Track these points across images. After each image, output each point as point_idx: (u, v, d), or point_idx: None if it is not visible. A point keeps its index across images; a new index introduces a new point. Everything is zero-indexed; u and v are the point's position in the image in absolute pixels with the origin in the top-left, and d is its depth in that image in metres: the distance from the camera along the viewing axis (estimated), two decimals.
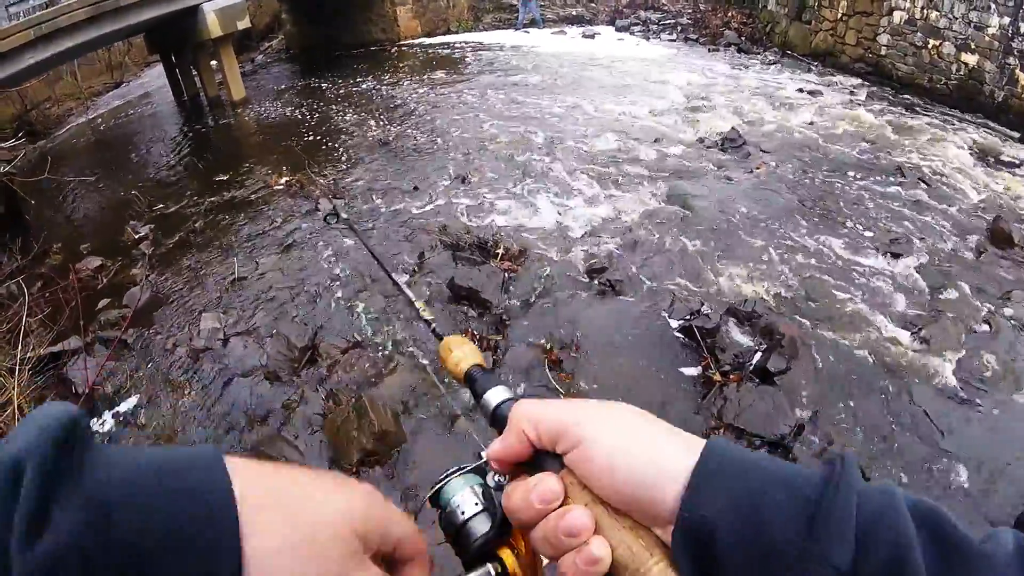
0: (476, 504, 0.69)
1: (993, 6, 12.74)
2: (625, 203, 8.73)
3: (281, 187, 9.65)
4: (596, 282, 7.00)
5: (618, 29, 19.67)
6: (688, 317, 6.32)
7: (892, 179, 9.90)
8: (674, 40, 18.69)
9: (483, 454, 0.73)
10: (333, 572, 0.51)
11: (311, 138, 12.28)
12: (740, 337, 6.21)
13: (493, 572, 0.67)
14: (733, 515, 0.50)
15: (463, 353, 0.84)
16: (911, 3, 14.08)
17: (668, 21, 20.20)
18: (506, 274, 6.88)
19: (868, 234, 8.39)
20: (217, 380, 6.00)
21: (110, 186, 11.49)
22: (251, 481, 0.50)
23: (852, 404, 5.73)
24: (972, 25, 13.20)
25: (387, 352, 6.07)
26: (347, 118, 13.14)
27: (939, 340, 6.61)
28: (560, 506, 0.56)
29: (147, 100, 18.51)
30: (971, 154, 11.52)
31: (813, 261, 7.71)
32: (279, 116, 14.22)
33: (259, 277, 7.50)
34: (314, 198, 9.09)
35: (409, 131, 11.91)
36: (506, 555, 0.68)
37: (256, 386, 5.86)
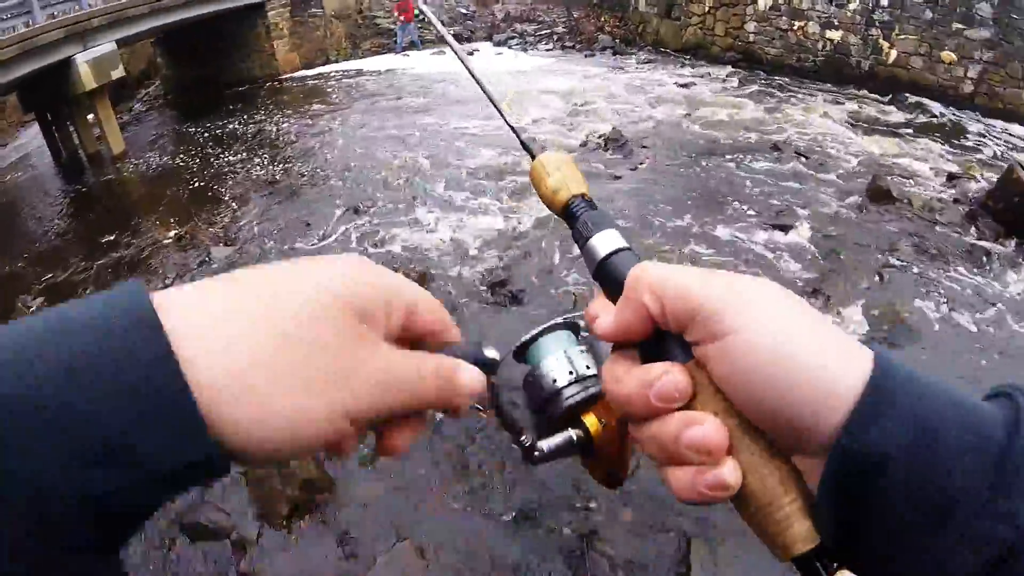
0: (570, 373, 0.61)
1: None
2: (515, 214, 8.90)
3: (170, 240, 9.39)
4: (499, 294, 7.10)
5: (496, 44, 19.94)
6: None
7: (770, 156, 10.38)
8: (551, 49, 19.12)
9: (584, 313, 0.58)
10: (331, 362, 0.42)
11: (197, 185, 11.95)
12: None
13: (575, 438, 0.60)
14: (908, 452, 0.40)
15: (562, 177, 0.63)
16: None
17: (544, 31, 20.59)
18: None
19: (754, 211, 8.76)
20: None
21: None
22: (191, 305, 0.40)
23: None
24: (834, 3, 14.02)
25: None
26: (231, 160, 12.85)
27: (836, 298, 7.00)
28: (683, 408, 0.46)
29: (26, 162, 17.58)
30: (843, 122, 12.21)
31: (705, 245, 8.01)
32: (162, 166, 13.78)
33: None
34: (205, 247, 8.90)
35: (296, 167, 11.78)
36: (590, 421, 0.60)
37: None
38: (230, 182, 11.66)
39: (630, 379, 0.47)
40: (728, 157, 10.50)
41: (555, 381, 0.61)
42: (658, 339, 0.47)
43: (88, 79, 13.49)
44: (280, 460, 0.48)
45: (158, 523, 5.07)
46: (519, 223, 8.61)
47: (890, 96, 13.76)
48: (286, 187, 10.91)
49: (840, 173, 10.01)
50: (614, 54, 17.99)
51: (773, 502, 0.43)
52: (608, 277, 0.54)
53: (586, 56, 18.04)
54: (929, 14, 13.18)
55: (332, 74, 18.80)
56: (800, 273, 7.53)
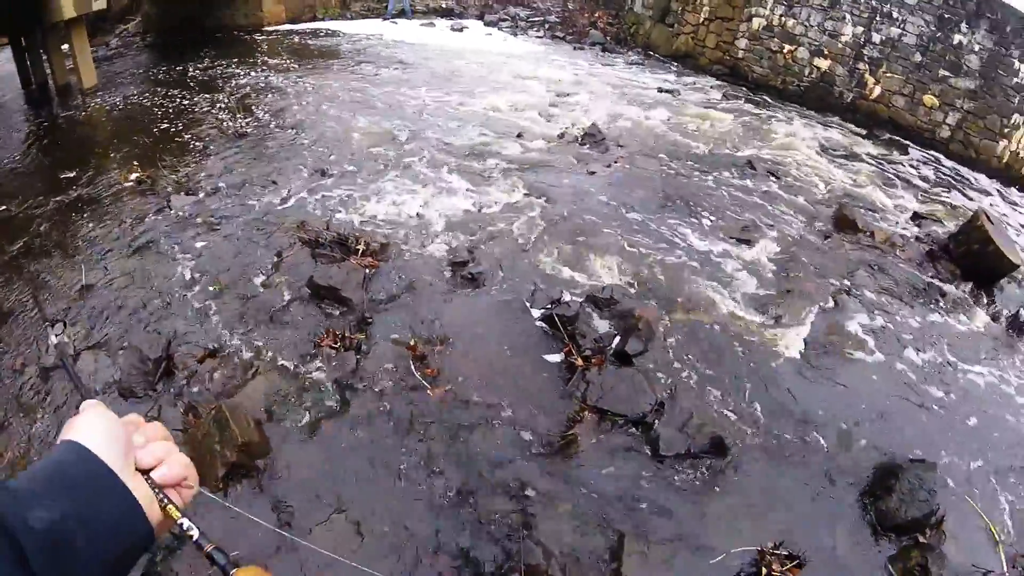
0: None
1: (848, 16, 13.85)
2: (486, 196, 8.81)
3: (131, 184, 9.12)
4: (459, 275, 7.06)
5: (487, 24, 19.83)
6: (549, 306, 6.54)
7: (743, 172, 10.48)
8: (541, 37, 19.05)
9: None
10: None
11: (165, 129, 11.62)
12: (599, 323, 6.46)
13: None
14: None
15: None
16: (770, 11, 15.07)
17: (536, 18, 20.54)
18: (367, 270, 6.78)
19: (720, 223, 8.85)
20: (70, 400, 5.58)
21: None
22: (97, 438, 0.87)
23: (708, 380, 6.08)
24: (827, 33, 14.33)
25: (246, 358, 5.86)
26: (203, 107, 12.51)
27: (788, 317, 7.11)
28: None
29: None
30: (818, 149, 12.38)
31: (668, 249, 8.06)
32: (131, 105, 13.38)
33: (108, 284, 7.02)
34: (165, 194, 8.67)
35: (268, 122, 11.49)
36: None
37: (111, 404, 5.45)
38: (198, 130, 11.35)
39: None
40: (701, 166, 10.57)
41: None
42: None
43: (68, 7, 12.99)
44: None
45: None
46: (488, 206, 8.54)
47: (867, 130, 14.03)
48: (255, 141, 10.63)
49: (808, 197, 10.15)
50: (603, 51, 18.00)
51: None
52: None
53: (575, 48, 18.01)
54: (919, 57, 13.48)
55: (317, 31, 18.44)
56: (756, 288, 7.63)
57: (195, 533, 0.92)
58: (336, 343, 5.90)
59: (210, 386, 5.60)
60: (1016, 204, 12.69)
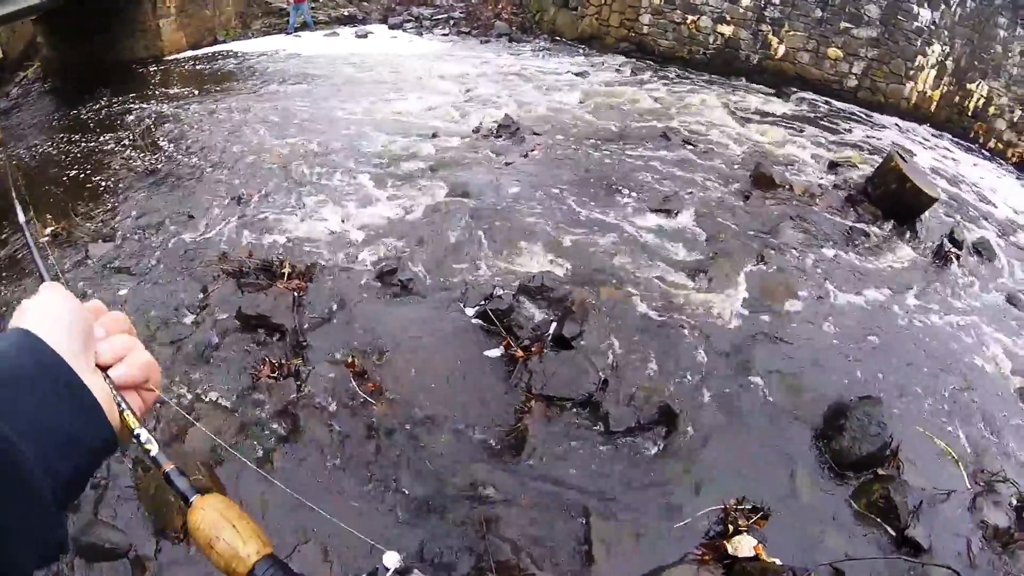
0: None
1: None
2: (407, 201, 8.75)
3: (47, 239, 8.80)
4: (389, 284, 7.00)
5: (391, 27, 19.64)
6: (482, 302, 6.57)
7: (659, 144, 10.61)
8: (447, 34, 19.01)
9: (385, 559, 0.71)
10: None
11: (74, 176, 11.21)
12: (534, 311, 6.48)
13: None
14: None
15: (236, 537, 0.66)
16: None
17: (441, 16, 20.43)
18: (296, 293, 6.64)
19: (642, 196, 8.94)
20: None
21: None
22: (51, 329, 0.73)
23: (648, 351, 6.17)
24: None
25: (186, 401, 5.70)
26: (110, 149, 12.06)
27: (718, 280, 7.26)
28: None
29: None
30: (730, 112, 12.61)
31: (594, 229, 8.13)
32: (38, 157, 12.87)
33: None
34: (83, 245, 8.40)
35: (178, 155, 11.11)
36: None
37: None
38: (108, 172, 10.95)
39: None
40: (618, 144, 10.68)
41: None
42: None
43: None
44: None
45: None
46: (410, 211, 8.48)
47: (776, 89, 14.40)
48: (167, 176, 10.27)
49: (725, 160, 10.34)
50: (510, 41, 18.09)
51: None
52: None
53: (482, 42, 18.03)
54: (819, 12, 13.90)
55: (220, 55, 17.99)
56: (684, 256, 7.77)
57: (153, 448, 0.80)
58: (274, 372, 5.79)
59: (153, 436, 5.40)
60: (926, 140, 13.16)
